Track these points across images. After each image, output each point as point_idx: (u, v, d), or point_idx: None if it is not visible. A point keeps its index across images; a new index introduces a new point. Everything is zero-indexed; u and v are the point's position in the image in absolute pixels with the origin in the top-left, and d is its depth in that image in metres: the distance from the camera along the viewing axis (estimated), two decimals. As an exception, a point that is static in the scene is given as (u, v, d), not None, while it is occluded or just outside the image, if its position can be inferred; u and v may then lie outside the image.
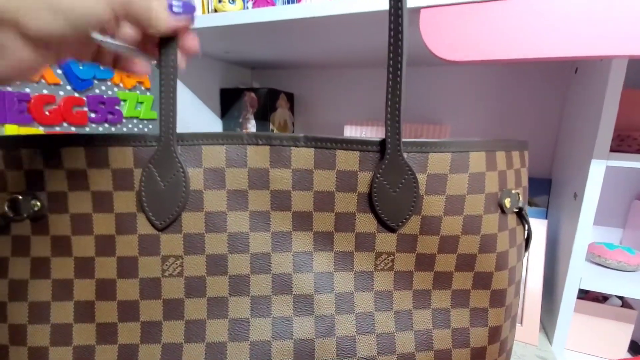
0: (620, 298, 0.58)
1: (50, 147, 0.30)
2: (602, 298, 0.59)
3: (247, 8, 0.63)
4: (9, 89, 0.42)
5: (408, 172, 0.30)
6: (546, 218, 0.63)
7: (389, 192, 0.31)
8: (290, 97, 0.81)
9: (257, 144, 0.31)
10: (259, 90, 0.72)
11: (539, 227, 0.58)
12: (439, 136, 0.63)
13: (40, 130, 0.45)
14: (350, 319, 0.32)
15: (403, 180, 0.30)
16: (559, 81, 0.64)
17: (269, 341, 0.31)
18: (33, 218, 0.30)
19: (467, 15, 0.41)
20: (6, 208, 0.29)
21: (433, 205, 0.31)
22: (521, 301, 0.57)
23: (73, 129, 0.50)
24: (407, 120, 0.74)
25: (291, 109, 0.82)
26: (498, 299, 0.32)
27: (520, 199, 0.32)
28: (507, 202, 0.31)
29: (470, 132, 0.70)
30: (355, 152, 0.31)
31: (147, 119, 0.61)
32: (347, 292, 0.33)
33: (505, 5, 0.41)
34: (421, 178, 0.30)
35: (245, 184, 0.32)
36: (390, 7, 0.28)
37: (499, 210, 0.31)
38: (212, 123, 0.76)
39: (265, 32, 0.55)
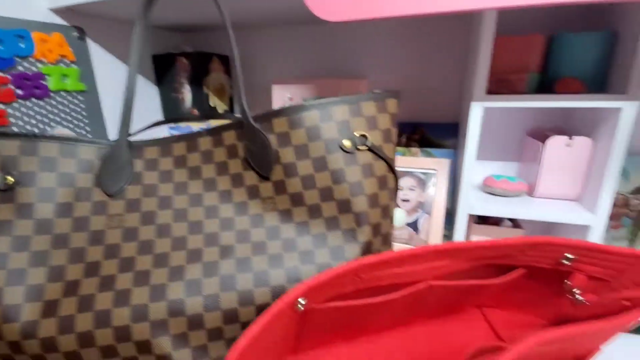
0: (512, 220, 0.68)
1: (31, 140, 0.40)
2: (499, 222, 0.70)
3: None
4: None
5: (261, 134, 0.40)
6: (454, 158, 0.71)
7: (255, 152, 0.41)
8: (224, 60, 0.83)
9: (178, 141, 0.45)
10: (189, 54, 0.75)
11: (442, 165, 0.66)
12: (356, 89, 0.69)
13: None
14: (248, 246, 0.40)
15: (260, 142, 0.41)
16: (460, 31, 0.69)
17: (182, 266, 0.39)
18: (3, 189, 0.38)
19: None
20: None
21: (286, 154, 0.40)
22: (426, 229, 0.67)
23: (1, 106, 0.53)
24: (326, 76, 0.79)
25: (227, 72, 0.85)
26: (362, 219, 0.40)
27: (369, 139, 0.39)
28: (347, 143, 0.38)
29: (389, 83, 0.75)
30: (232, 130, 0.43)
31: (75, 91, 0.63)
32: (244, 229, 0.41)
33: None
34: (272, 137, 0.40)
35: (171, 165, 0.44)
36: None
37: (341, 150, 0.39)
38: (148, 90, 0.79)
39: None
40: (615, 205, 0.61)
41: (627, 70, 0.47)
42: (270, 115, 0.40)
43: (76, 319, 0.36)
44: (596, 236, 0.53)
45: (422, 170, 0.68)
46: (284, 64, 0.82)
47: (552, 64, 0.53)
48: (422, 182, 0.68)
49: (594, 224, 0.52)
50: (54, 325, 0.36)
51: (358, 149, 0.40)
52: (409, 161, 0.69)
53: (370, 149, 0.40)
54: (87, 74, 0.65)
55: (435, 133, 0.74)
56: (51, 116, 0.60)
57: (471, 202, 0.60)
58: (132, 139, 0.46)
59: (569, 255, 0.35)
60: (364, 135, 0.40)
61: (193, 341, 0.38)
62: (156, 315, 0.37)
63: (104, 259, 0.39)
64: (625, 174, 0.59)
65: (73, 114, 0.64)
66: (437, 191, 0.66)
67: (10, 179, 0.38)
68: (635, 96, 0.46)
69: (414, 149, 0.72)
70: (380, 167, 0.41)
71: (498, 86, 0.57)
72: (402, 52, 0.73)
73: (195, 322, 0.37)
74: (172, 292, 0.37)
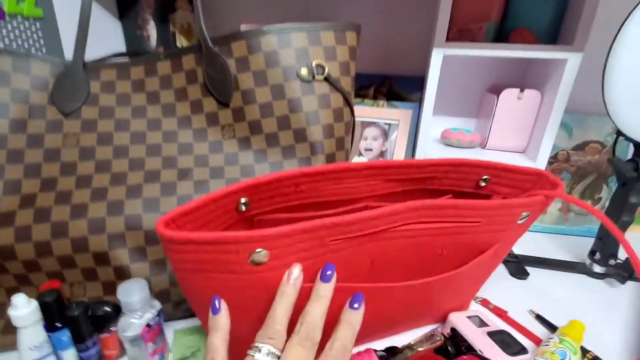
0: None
1: None
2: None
3: None
4: None
5: (219, 58, 0.40)
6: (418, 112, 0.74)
7: (214, 77, 0.41)
8: None
9: (136, 65, 0.44)
10: (155, -11, 0.71)
11: (405, 115, 0.69)
12: (326, 36, 0.69)
13: None
14: (206, 170, 0.42)
15: (219, 66, 0.41)
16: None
17: (140, 184, 0.40)
18: None
19: None
20: None
21: (244, 80, 0.41)
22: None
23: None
24: (295, 22, 0.78)
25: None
26: (317, 148, 0.42)
27: (326, 70, 0.40)
28: (304, 71, 0.39)
29: (363, 31, 0.75)
30: (191, 54, 0.43)
31: (32, 17, 0.60)
32: (203, 155, 0.43)
33: None
34: (230, 62, 0.41)
35: (129, 88, 0.44)
36: None
37: (298, 79, 0.40)
38: (111, 26, 0.75)
39: None
40: (557, 160, 0.66)
41: (575, 23, 0.49)
42: (229, 38, 0.40)
43: (33, 229, 0.37)
44: (535, 182, 0.57)
45: (385, 121, 0.70)
46: (253, 6, 0.80)
47: (510, 15, 0.55)
48: (385, 133, 0.71)
49: (534, 171, 0.57)
50: (11, 234, 0.36)
51: (315, 79, 0.41)
52: (374, 111, 0.71)
53: (327, 80, 0.41)
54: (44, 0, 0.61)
55: (403, 86, 0.76)
56: (7, 41, 0.57)
57: (428, 152, 0.63)
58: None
59: (486, 177, 0.39)
60: (321, 66, 0.41)
61: (150, 255, 0.39)
62: (113, 228, 0.38)
63: (60, 176, 0.40)
64: (568, 130, 0.64)
65: (30, 41, 0.60)
66: (398, 141, 0.69)
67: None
68: (579, 47, 0.49)
69: (381, 101, 0.74)
70: (336, 99, 0.42)
71: (459, 36, 0.58)
72: (374, 2, 0.73)
73: (153, 237, 0.39)
74: (129, 208, 0.39)
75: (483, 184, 0.39)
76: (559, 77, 0.52)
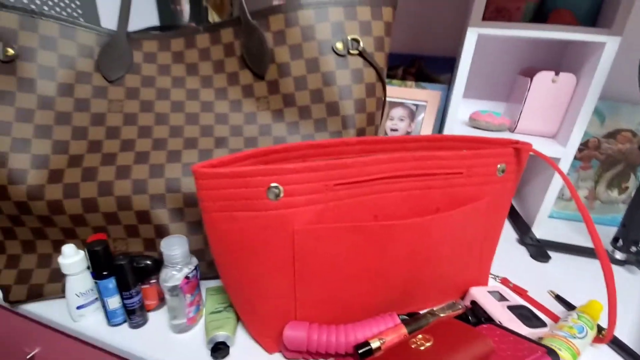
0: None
1: (31, 16, 0.40)
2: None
3: None
4: None
5: (257, 31, 0.42)
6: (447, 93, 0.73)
7: (251, 50, 0.43)
8: (225, -26, 0.80)
9: (176, 37, 0.46)
10: (189, -38, 0.72)
11: (433, 97, 0.68)
12: (357, 14, 0.68)
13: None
14: (240, 139, 0.43)
15: (256, 40, 0.42)
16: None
17: (180, 150, 0.42)
18: (3, 61, 0.39)
19: None
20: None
21: (280, 54, 0.42)
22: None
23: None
24: None
25: (228, -13, 0.82)
26: (348, 122, 0.43)
27: (361, 44, 0.41)
28: (340, 45, 0.40)
29: (398, 13, 0.74)
30: (229, 28, 0.44)
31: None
32: (238, 125, 0.44)
33: None
34: (268, 35, 0.42)
35: (169, 59, 0.46)
36: None
37: (333, 52, 0.41)
38: (145, 2, 0.77)
39: None
40: (588, 147, 0.65)
41: (615, 5, 0.48)
42: (267, 11, 0.41)
43: (80, 186, 0.40)
44: (564, 167, 0.57)
45: (413, 102, 0.70)
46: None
47: (550, -5, 0.54)
48: (412, 113, 0.71)
49: (563, 156, 0.56)
50: (60, 190, 0.39)
51: (350, 53, 0.41)
52: (401, 92, 0.71)
53: (361, 54, 0.42)
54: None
55: (433, 67, 0.75)
56: (45, 9, 0.59)
57: (453, 131, 0.63)
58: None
59: (502, 165, 0.40)
60: (356, 40, 0.41)
61: (188, 216, 0.42)
62: (155, 189, 0.40)
63: (105, 139, 0.42)
64: (601, 117, 0.63)
65: (68, 10, 0.63)
66: (425, 123, 0.69)
67: (11, 50, 0.39)
68: (618, 31, 0.47)
69: (409, 82, 0.74)
70: (369, 74, 0.43)
71: (496, 16, 0.57)
72: (408, -21, 0.72)
73: (191, 199, 0.41)
74: (170, 172, 0.41)
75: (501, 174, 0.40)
76: (596, 61, 0.51)
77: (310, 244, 0.32)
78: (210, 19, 0.79)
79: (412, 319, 0.35)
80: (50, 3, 0.60)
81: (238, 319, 0.40)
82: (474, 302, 0.41)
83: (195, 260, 0.38)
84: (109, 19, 0.69)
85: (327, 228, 0.32)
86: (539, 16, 0.56)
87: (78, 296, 0.40)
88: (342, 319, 0.37)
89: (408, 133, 0.71)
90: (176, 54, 0.46)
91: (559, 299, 0.44)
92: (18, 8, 0.40)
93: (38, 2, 0.58)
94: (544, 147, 0.58)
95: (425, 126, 0.69)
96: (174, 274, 0.35)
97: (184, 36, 0.46)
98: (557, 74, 0.58)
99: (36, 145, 0.40)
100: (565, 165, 0.57)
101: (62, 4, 0.62)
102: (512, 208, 0.71)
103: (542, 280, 0.49)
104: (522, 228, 0.63)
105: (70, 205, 0.40)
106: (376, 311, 0.38)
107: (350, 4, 0.41)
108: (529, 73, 0.64)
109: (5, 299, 0.42)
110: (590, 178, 0.67)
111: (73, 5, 0.63)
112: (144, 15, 0.77)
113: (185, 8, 0.75)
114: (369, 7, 0.41)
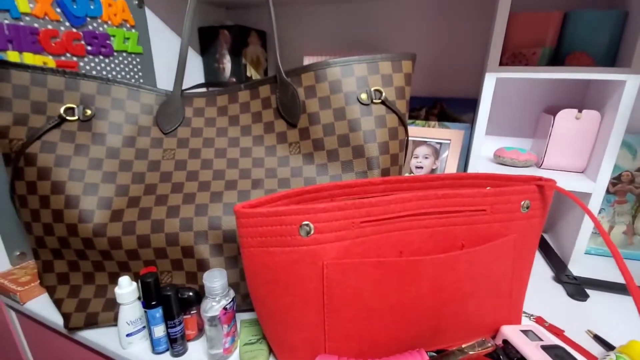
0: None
1: (106, 83, 0.49)
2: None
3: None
4: (22, 23, 0.55)
5: (291, 87, 0.48)
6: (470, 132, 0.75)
7: (285, 103, 0.49)
8: (262, 35, 0.91)
9: (221, 94, 0.54)
10: (231, 27, 0.83)
11: (457, 135, 0.71)
12: (381, 63, 0.74)
13: (49, 58, 0.59)
14: (274, 181, 0.48)
15: (290, 94, 0.48)
16: (483, 6, 0.72)
17: (221, 191, 0.47)
18: (83, 120, 0.48)
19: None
20: (61, 111, 0.46)
21: (311, 105, 0.47)
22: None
23: (74, 58, 0.63)
24: (352, 50, 0.84)
25: (264, 45, 0.93)
26: (373, 163, 0.46)
27: (383, 94, 0.45)
28: (364, 96, 0.45)
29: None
30: (267, 85, 0.51)
31: (134, 53, 0.73)
32: (272, 167, 0.49)
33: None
34: (300, 90, 0.48)
35: (215, 113, 0.53)
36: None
37: (358, 102, 0.45)
38: (194, 60, 0.88)
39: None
40: (621, 181, 0.64)
41: (633, 46, 0.50)
42: (300, 70, 0.47)
43: (137, 224, 0.45)
44: (596, 202, 0.56)
45: (437, 140, 0.73)
46: (314, 39, 0.88)
47: (566, 40, 0.56)
48: (436, 152, 0.73)
49: (594, 191, 0.56)
50: (119, 228, 0.45)
51: (373, 102, 0.46)
52: (425, 131, 0.74)
53: (383, 103, 0.46)
54: (143, 39, 0.74)
55: (454, 108, 0.78)
56: (114, 73, 0.70)
57: (479, 171, 0.65)
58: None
59: (526, 202, 0.41)
60: (379, 90, 0.46)
61: (226, 251, 0.46)
62: (199, 227, 0.45)
63: (159, 182, 0.48)
64: (632, 151, 0.62)
65: (131, 73, 0.73)
66: (449, 160, 0.71)
67: (89, 111, 0.48)
68: (638, 69, 0.49)
69: (432, 122, 0.77)
70: (392, 119, 0.47)
71: (512, 60, 0.60)
72: (426, 28, 0.77)
73: (229, 236, 0.45)
74: (212, 210, 0.46)
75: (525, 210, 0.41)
76: (618, 98, 0.52)
77: (338, 277, 0.35)
78: (249, 74, 0.88)
79: (440, 356, 0.36)
80: (117, 69, 0.70)
81: (270, 351, 0.42)
82: (505, 341, 0.40)
83: (232, 293, 0.41)
84: (163, 80, 0.80)
85: (354, 263, 0.35)
86: (556, 60, 0.59)
87: (128, 324, 0.44)
88: (370, 353, 0.38)
89: (433, 170, 0.73)
90: (221, 108, 0.53)
91: (597, 339, 0.43)
92: (97, 77, 0.49)
93: (110, 77, 0.69)
94: (574, 182, 0.58)
95: (449, 163, 0.71)
96: (214, 305, 0.38)
97: (228, 93, 0.53)
98: (580, 111, 0.59)
99: (103, 189, 0.47)
100: (597, 200, 0.56)
101: (130, 71, 0.73)
102: (547, 245, 0.69)
103: (579, 320, 0.47)
104: (558, 265, 0.61)
105: (127, 241, 0.45)
106: (404, 347, 0.39)
107: (373, 60, 0.46)
108: (553, 111, 0.66)
109: (66, 325, 0.47)
110: (627, 212, 0.64)
111: (135, 70, 0.74)
112: (193, 73, 0.87)
113: (227, 66, 0.85)
114: (389, 61, 0.46)
